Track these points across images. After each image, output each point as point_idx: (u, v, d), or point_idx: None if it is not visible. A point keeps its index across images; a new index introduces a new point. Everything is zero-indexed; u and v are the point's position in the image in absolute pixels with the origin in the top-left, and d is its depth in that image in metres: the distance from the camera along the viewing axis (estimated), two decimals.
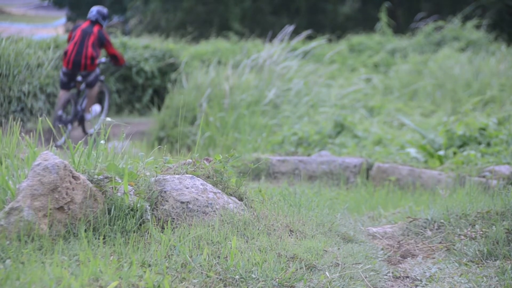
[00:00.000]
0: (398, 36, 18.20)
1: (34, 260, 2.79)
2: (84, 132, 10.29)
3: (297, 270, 3.10)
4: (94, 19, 9.82)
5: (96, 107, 10.17)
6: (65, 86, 9.66)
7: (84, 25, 9.84)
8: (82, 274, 2.64)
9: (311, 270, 3.14)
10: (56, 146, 9.85)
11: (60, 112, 9.48)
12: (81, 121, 10.13)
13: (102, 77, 10.43)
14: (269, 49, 12.36)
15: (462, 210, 4.13)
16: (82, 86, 9.81)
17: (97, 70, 9.86)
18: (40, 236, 2.98)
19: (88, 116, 10.08)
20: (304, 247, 3.35)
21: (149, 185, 3.45)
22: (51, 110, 10.42)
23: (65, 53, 9.64)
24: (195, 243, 3.16)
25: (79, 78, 9.68)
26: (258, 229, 3.47)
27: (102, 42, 9.77)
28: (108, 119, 3.65)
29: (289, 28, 13.65)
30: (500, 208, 4.01)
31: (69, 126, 9.72)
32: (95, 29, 9.73)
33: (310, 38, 16.75)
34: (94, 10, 9.90)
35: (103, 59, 10.14)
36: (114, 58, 10.05)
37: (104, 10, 9.99)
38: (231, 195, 3.76)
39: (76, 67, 9.58)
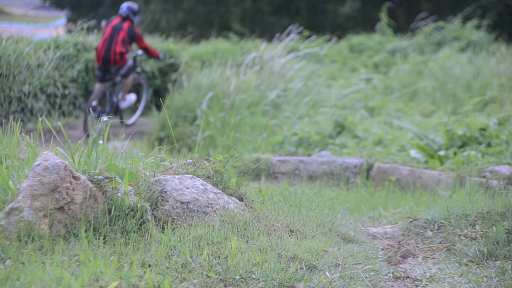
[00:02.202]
0: (398, 36, 18.20)
1: (34, 260, 2.79)
2: (123, 123, 10.67)
3: (297, 270, 3.10)
4: (125, 15, 10.16)
5: (131, 96, 10.54)
6: (100, 79, 10.08)
7: (115, 21, 10.17)
8: (82, 274, 2.64)
9: (311, 270, 3.14)
10: (89, 136, 10.34)
11: (94, 103, 9.86)
12: (118, 111, 10.51)
13: (138, 69, 10.92)
14: (269, 50, 12.37)
15: (463, 210, 4.13)
16: (118, 78, 10.19)
17: (130, 62, 10.20)
18: (40, 236, 2.98)
19: (123, 105, 10.46)
20: (304, 247, 3.35)
21: (149, 185, 3.45)
22: (51, 110, 10.45)
23: (96, 49, 10.03)
24: (195, 243, 3.16)
25: (112, 70, 10.07)
26: (259, 229, 3.47)
27: (133, 38, 10.13)
28: (106, 118, 3.65)
29: (292, 29, 13.70)
30: (501, 208, 4.01)
31: (103, 117, 9.96)
32: (125, 25, 10.07)
33: (310, 38, 16.75)
34: (125, 6, 10.22)
35: (139, 51, 10.54)
36: (147, 51, 10.46)
37: (134, 5, 10.29)
38: (231, 195, 3.76)
39: (106, 63, 9.96)
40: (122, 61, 10.01)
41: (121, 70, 10.09)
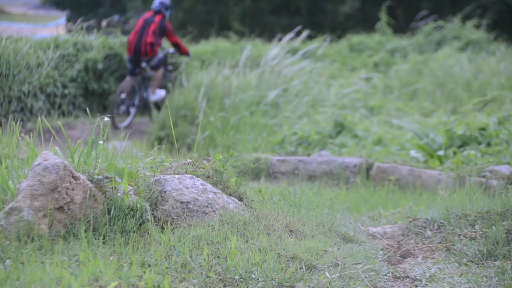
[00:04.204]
0: (398, 36, 18.19)
1: (34, 260, 2.79)
2: (152, 120, 11.00)
3: (297, 270, 3.10)
4: (157, 9, 10.61)
5: (161, 92, 10.78)
6: (130, 72, 10.49)
7: (147, 15, 10.67)
8: (82, 274, 2.64)
9: (311, 270, 3.14)
10: (118, 128, 11.03)
11: (123, 95, 10.33)
12: (147, 108, 10.92)
13: (169, 67, 11.31)
14: (269, 49, 12.37)
15: (462, 210, 4.13)
16: (148, 73, 10.59)
17: (160, 55, 10.55)
18: (40, 236, 2.98)
19: (152, 98, 10.84)
20: (304, 247, 3.35)
21: (149, 185, 3.45)
22: (51, 110, 10.47)
23: (128, 41, 10.54)
24: (195, 243, 3.15)
25: (143, 64, 10.43)
26: (258, 229, 3.47)
27: (164, 31, 10.53)
28: (107, 119, 3.65)
29: (294, 30, 13.74)
30: (500, 208, 4.01)
31: (132, 110, 10.49)
32: (157, 18, 10.52)
33: (310, 37, 16.75)
34: (157, 1, 10.65)
35: (170, 49, 10.93)
36: (177, 46, 10.83)
37: (167, 0, 10.72)
38: (231, 195, 3.76)
39: (137, 54, 10.37)
40: (152, 52, 10.34)
41: (151, 62, 10.41)
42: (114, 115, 10.27)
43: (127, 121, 10.56)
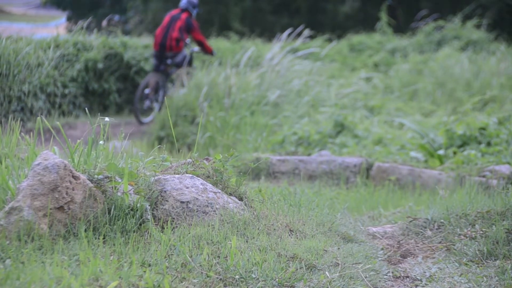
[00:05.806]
0: (398, 36, 18.21)
1: (34, 260, 2.79)
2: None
3: (297, 270, 3.10)
4: (184, 7, 10.98)
5: (184, 91, 11.00)
6: (155, 68, 10.81)
7: (174, 12, 11.06)
8: (82, 274, 2.64)
9: (311, 270, 3.14)
10: (142, 123, 11.23)
11: (147, 90, 10.59)
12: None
13: (194, 65, 11.52)
14: (270, 49, 12.37)
15: (462, 209, 4.13)
16: (172, 70, 10.84)
17: (184, 52, 10.84)
18: (40, 236, 2.98)
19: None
20: (304, 247, 3.35)
21: (149, 184, 3.45)
22: (51, 110, 10.47)
23: (154, 36, 10.91)
24: (195, 242, 3.16)
25: (168, 61, 10.72)
26: (258, 228, 3.47)
27: (189, 28, 10.83)
28: (107, 119, 3.65)
29: (294, 30, 13.75)
30: (500, 208, 4.01)
31: (156, 105, 10.72)
32: (184, 15, 10.85)
33: (310, 37, 16.76)
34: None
35: (195, 48, 11.23)
36: (201, 45, 11.11)
37: None
38: (231, 194, 3.76)
39: (163, 49, 10.70)
40: (177, 48, 10.66)
41: (176, 58, 10.66)
42: (138, 110, 10.45)
43: (151, 116, 10.84)
